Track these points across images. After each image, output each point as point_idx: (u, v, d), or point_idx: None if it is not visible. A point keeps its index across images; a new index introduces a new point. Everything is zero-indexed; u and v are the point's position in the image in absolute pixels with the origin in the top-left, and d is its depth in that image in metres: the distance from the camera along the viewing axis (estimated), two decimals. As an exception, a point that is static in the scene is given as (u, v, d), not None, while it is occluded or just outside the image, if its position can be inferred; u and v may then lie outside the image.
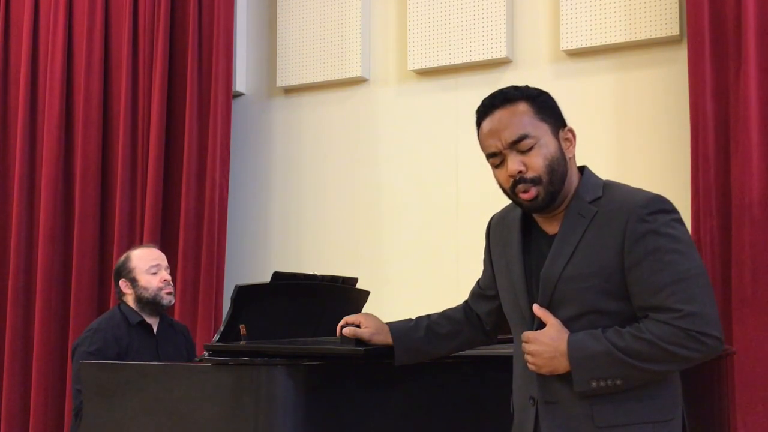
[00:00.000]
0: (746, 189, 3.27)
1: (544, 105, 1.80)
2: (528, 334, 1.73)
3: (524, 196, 1.76)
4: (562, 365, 1.68)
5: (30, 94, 4.82)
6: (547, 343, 1.69)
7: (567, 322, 1.73)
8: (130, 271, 3.16)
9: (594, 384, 1.66)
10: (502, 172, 1.79)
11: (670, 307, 1.65)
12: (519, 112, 1.77)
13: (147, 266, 3.15)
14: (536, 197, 1.75)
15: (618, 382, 1.66)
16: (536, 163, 1.74)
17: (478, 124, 1.84)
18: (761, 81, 3.31)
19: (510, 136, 1.76)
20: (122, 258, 3.25)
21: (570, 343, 1.68)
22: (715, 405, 2.54)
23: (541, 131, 1.76)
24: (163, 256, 3.26)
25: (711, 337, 1.65)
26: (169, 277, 3.19)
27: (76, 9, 4.76)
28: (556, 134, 1.78)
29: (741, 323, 3.22)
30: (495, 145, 1.78)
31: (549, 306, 1.75)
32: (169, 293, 3.17)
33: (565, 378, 1.72)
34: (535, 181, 1.74)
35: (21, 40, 4.88)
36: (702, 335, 1.64)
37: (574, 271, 1.72)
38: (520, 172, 1.75)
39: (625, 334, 1.66)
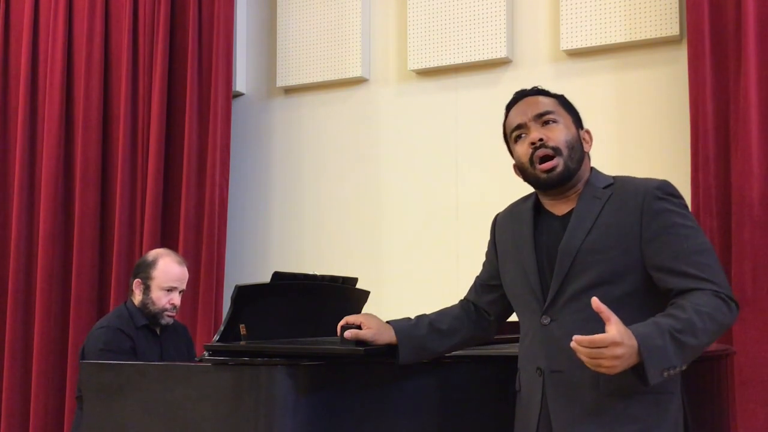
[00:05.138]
0: (746, 189, 3.27)
1: (568, 104, 1.99)
2: (615, 337, 1.61)
3: (543, 167, 1.87)
4: (633, 361, 1.64)
5: (30, 94, 4.82)
6: (628, 343, 1.63)
7: (581, 293, 1.80)
8: (148, 278, 3.15)
9: (665, 374, 1.66)
10: (524, 145, 1.92)
11: (703, 277, 1.74)
12: (547, 99, 1.96)
13: (166, 284, 3.14)
14: (554, 168, 1.86)
15: (684, 367, 1.70)
16: (557, 136, 1.89)
17: (508, 110, 2.00)
18: (761, 81, 3.31)
19: (536, 109, 1.92)
20: (150, 258, 3.21)
21: (639, 338, 1.64)
22: (715, 405, 2.54)
23: (565, 117, 1.93)
24: (185, 277, 3.22)
25: (737, 303, 1.76)
26: (178, 301, 3.19)
27: (76, 9, 4.76)
28: (577, 127, 1.95)
29: (741, 323, 3.22)
30: (520, 117, 1.93)
31: (566, 278, 1.82)
32: (170, 316, 3.18)
33: (569, 348, 1.73)
34: (556, 151, 1.87)
35: (21, 40, 4.88)
36: (734, 301, 1.75)
37: (594, 244, 1.82)
38: (540, 139, 1.88)
39: (679, 314, 1.69)
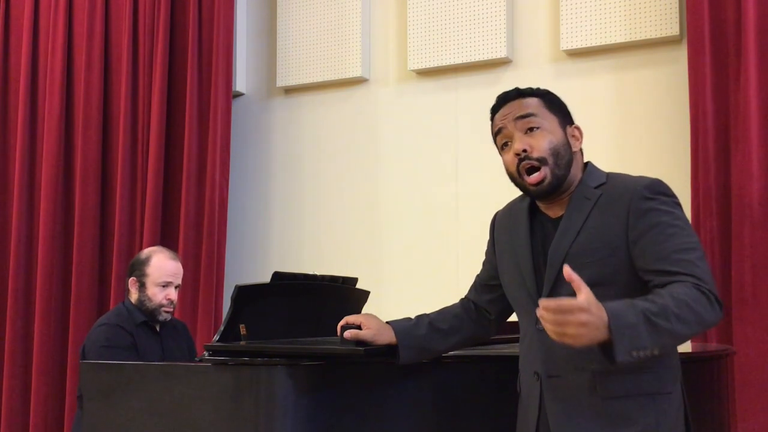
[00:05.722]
0: (746, 189, 3.27)
1: (553, 101, 1.92)
2: (582, 303, 1.55)
3: (531, 180, 1.84)
4: (601, 336, 1.57)
5: (30, 94, 4.82)
6: (596, 313, 1.55)
7: (572, 296, 1.75)
8: (143, 275, 3.17)
9: (635, 354, 1.58)
10: (509, 154, 1.88)
11: (685, 272, 1.69)
12: (530, 101, 1.90)
13: (160, 279, 3.15)
14: (542, 180, 1.83)
15: (656, 351, 1.61)
16: (540, 144, 1.84)
17: (493, 114, 1.96)
18: (761, 81, 3.31)
19: (517, 112, 1.88)
20: (143, 256, 3.23)
21: (610, 313, 1.57)
22: (715, 405, 2.54)
23: (549, 120, 1.88)
24: (180, 272, 3.24)
25: (721, 304, 1.70)
26: (174, 296, 3.20)
27: (76, 9, 4.76)
28: (563, 127, 1.89)
29: (741, 323, 3.22)
30: (502, 122, 1.90)
31: (556, 281, 1.80)
32: (168, 311, 3.19)
33: (565, 352, 1.75)
34: (541, 161, 1.83)
35: (21, 40, 4.88)
36: (717, 300, 1.69)
37: (581, 247, 1.80)
38: (524, 150, 1.84)
39: (656, 299, 1.64)
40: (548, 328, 1.57)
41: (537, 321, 1.83)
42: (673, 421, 1.81)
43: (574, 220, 1.83)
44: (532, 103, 1.89)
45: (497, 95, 1.96)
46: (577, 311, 1.54)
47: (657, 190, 1.80)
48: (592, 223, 1.81)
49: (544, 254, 1.87)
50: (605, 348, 1.58)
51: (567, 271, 1.59)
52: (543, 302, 1.56)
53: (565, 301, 1.55)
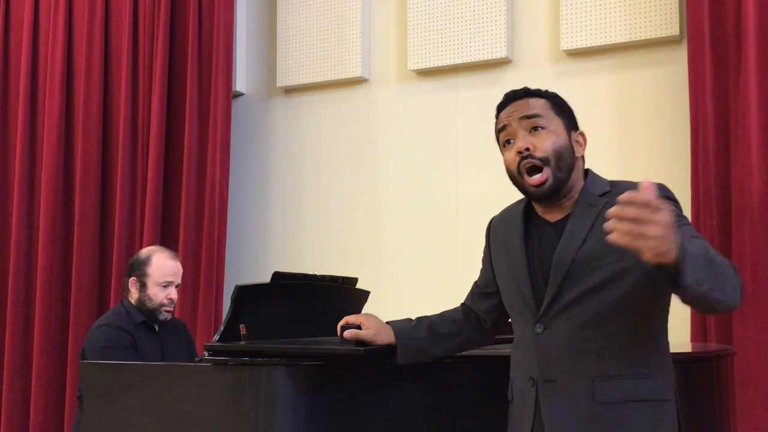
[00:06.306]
0: (746, 189, 3.27)
1: (561, 105, 1.91)
2: (665, 206, 1.41)
3: (532, 181, 1.82)
4: (670, 253, 1.43)
5: (30, 94, 4.82)
6: (673, 225, 1.43)
7: (575, 301, 1.77)
8: (143, 275, 3.16)
9: (695, 284, 1.48)
10: (511, 152, 1.86)
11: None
12: (537, 102, 1.89)
13: (161, 279, 3.16)
14: (544, 182, 1.81)
15: (708, 288, 1.50)
16: (544, 144, 1.83)
17: (499, 111, 1.94)
18: (761, 81, 3.31)
19: (523, 111, 1.86)
20: (143, 255, 3.23)
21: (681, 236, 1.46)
22: (715, 405, 2.54)
23: (555, 122, 1.86)
24: (180, 271, 3.24)
25: (741, 286, 1.61)
26: (175, 296, 3.20)
27: (76, 9, 4.77)
28: (568, 131, 1.88)
29: (741, 323, 3.22)
30: (507, 119, 1.88)
31: (561, 285, 1.78)
32: (168, 311, 3.19)
33: (563, 356, 1.76)
34: (544, 161, 1.81)
35: (21, 40, 4.88)
36: (740, 282, 1.61)
37: (589, 251, 1.77)
38: (527, 149, 1.82)
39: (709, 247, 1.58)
40: (623, 228, 1.40)
41: (534, 325, 1.84)
42: (669, 429, 1.79)
43: (579, 227, 1.81)
44: (539, 103, 1.88)
45: (505, 93, 1.94)
46: (665, 210, 1.39)
47: (661, 194, 1.77)
48: (598, 229, 1.76)
49: (540, 259, 1.85)
50: (666, 269, 1.47)
51: (644, 185, 1.41)
52: (626, 195, 1.39)
53: (654, 198, 1.39)
